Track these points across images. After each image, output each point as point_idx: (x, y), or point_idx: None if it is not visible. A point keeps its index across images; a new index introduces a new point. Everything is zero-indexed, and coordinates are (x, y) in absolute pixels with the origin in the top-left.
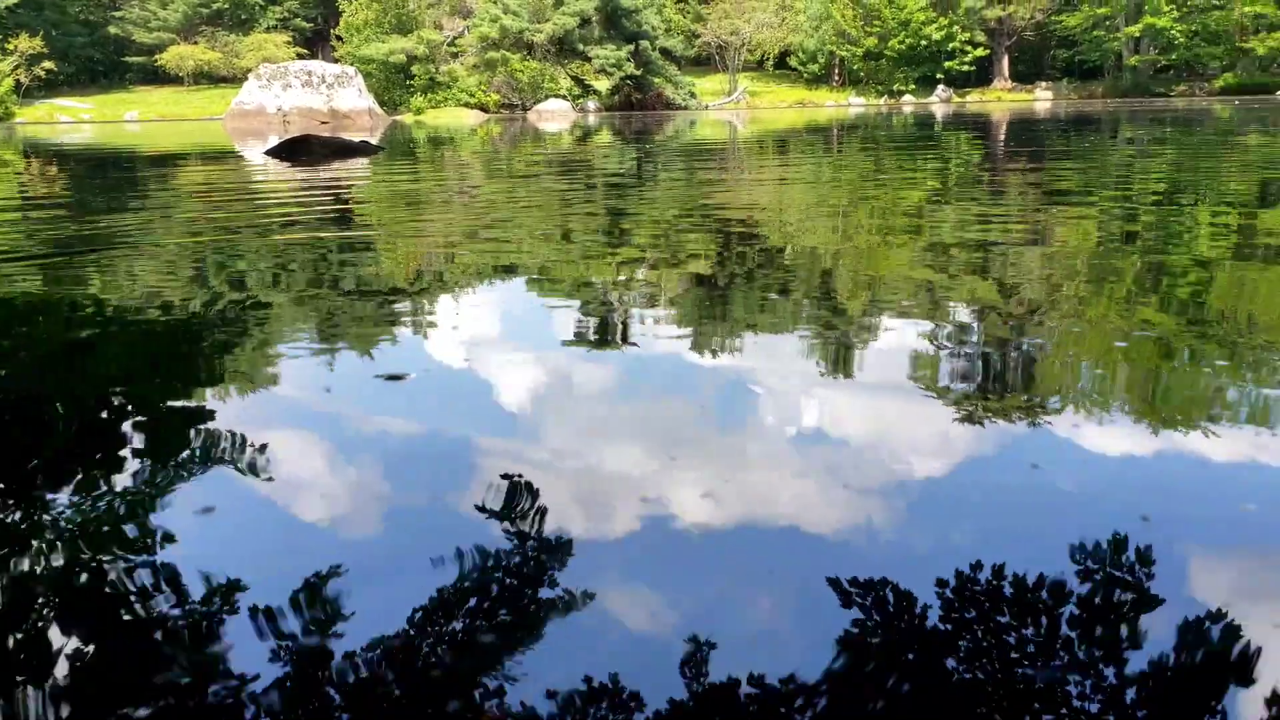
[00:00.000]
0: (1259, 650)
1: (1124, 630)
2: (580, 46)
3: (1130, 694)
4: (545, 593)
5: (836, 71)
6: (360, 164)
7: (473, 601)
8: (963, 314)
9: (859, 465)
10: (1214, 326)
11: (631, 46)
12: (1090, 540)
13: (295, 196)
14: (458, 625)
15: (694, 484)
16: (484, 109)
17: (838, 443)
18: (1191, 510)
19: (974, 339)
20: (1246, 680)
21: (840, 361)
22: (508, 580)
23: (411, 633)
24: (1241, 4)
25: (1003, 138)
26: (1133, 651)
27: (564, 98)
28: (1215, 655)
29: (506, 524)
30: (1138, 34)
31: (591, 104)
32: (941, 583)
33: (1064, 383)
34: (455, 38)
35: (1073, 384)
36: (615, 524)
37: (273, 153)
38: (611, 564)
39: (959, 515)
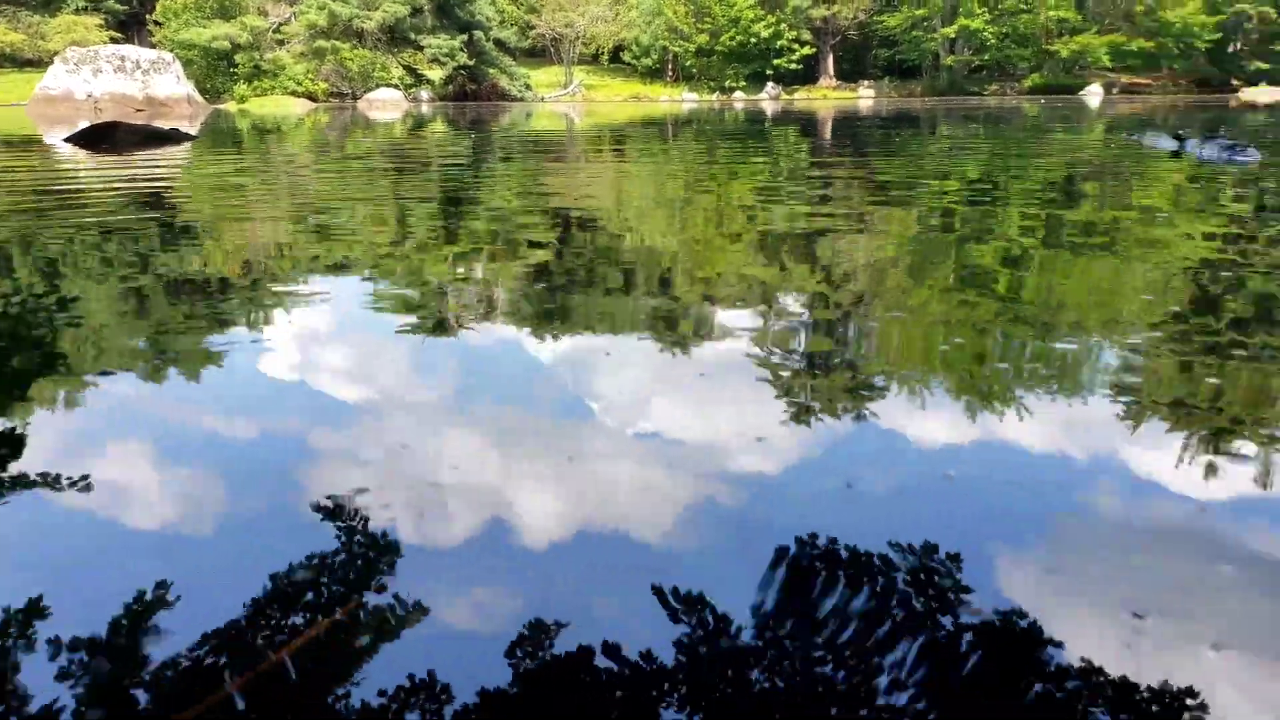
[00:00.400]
0: (1057, 618)
1: (941, 603)
2: (412, 35)
3: (944, 666)
4: (372, 598)
5: (670, 67)
6: (170, 152)
7: (298, 607)
8: (794, 304)
9: (693, 463)
10: (1026, 310)
11: (465, 36)
12: (904, 537)
13: (96, 186)
14: (283, 636)
15: (529, 483)
16: (312, 98)
17: (673, 441)
18: (1001, 487)
19: (805, 331)
20: (1050, 656)
21: (676, 356)
22: (334, 586)
23: (230, 644)
24: (1046, 8)
25: (830, 134)
26: (949, 618)
27: (396, 87)
28: (1021, 623)
29: (335, 526)
30: (953, 35)
31: (425, 94)
32: (775, 565)
33: (890, 372)
34: (281, 24)
35: (898, 372)
36: (448, 526)
37: (75, 139)
38: (443, 565)
39: (788, 514)
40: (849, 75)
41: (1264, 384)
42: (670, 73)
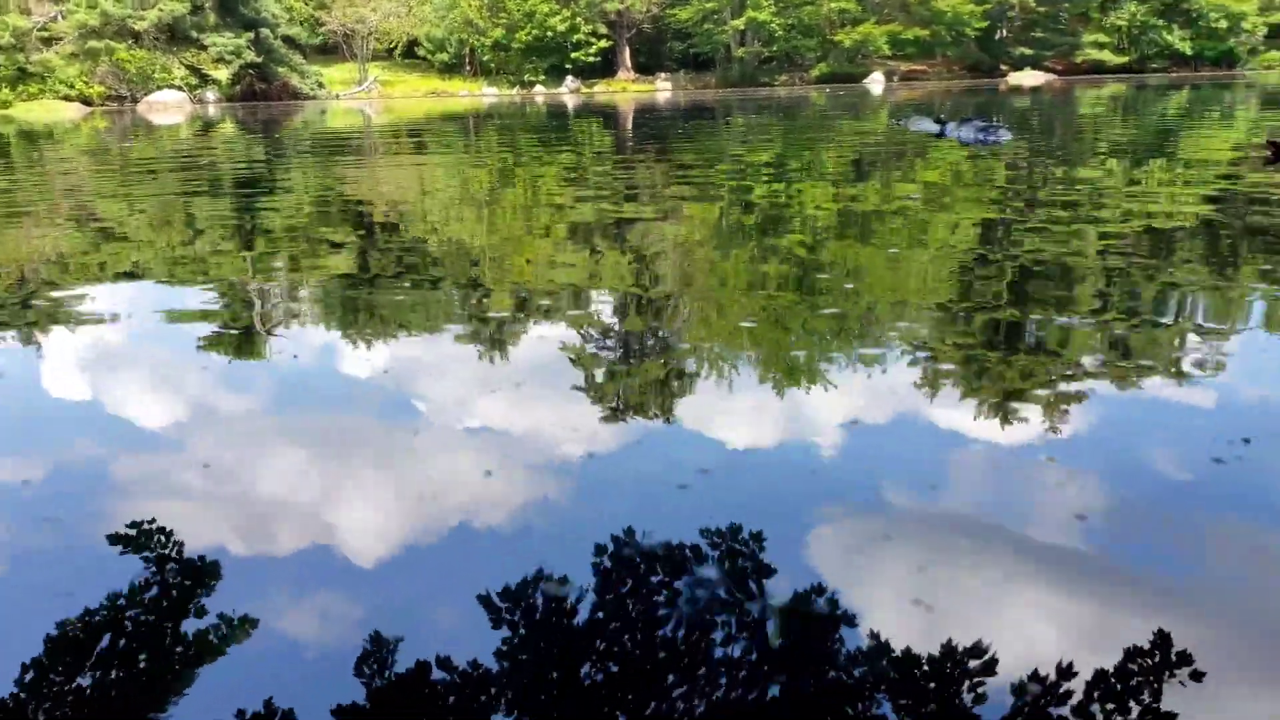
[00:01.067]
0: (850, 591)
1: (746, 587)
2: (194, 34)
3: (752, 643)
4: (192, 623)
5: (468, 61)
6: None
7: (105, 642)
8: (605, 296)
9: (518, 461)
10: (825, 294)
11: (251, 34)
12: (717, 521)
13: None
14: (85, 677)
15: (353, 492)
16: (87, 101)
17: (497, 440)
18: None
19: (619, 320)
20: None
21: (492, 353)
22: (144, 616)
23: (21, 690)
24: (830, 0)
25: (632, 126)
26: (756, 603)
27: (179, 88)
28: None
29: (145, 552)
30: (742, 27)
31: (211, 94)
32: (597, 558)
33: (701, 355)
34: (47, 23)
35: (709, 355)
36: (271, 542)
37: None
38: (269, 581)
39: (611, 505)
40: (646, 68)
41: (1045, 339)
42: (469, 67)
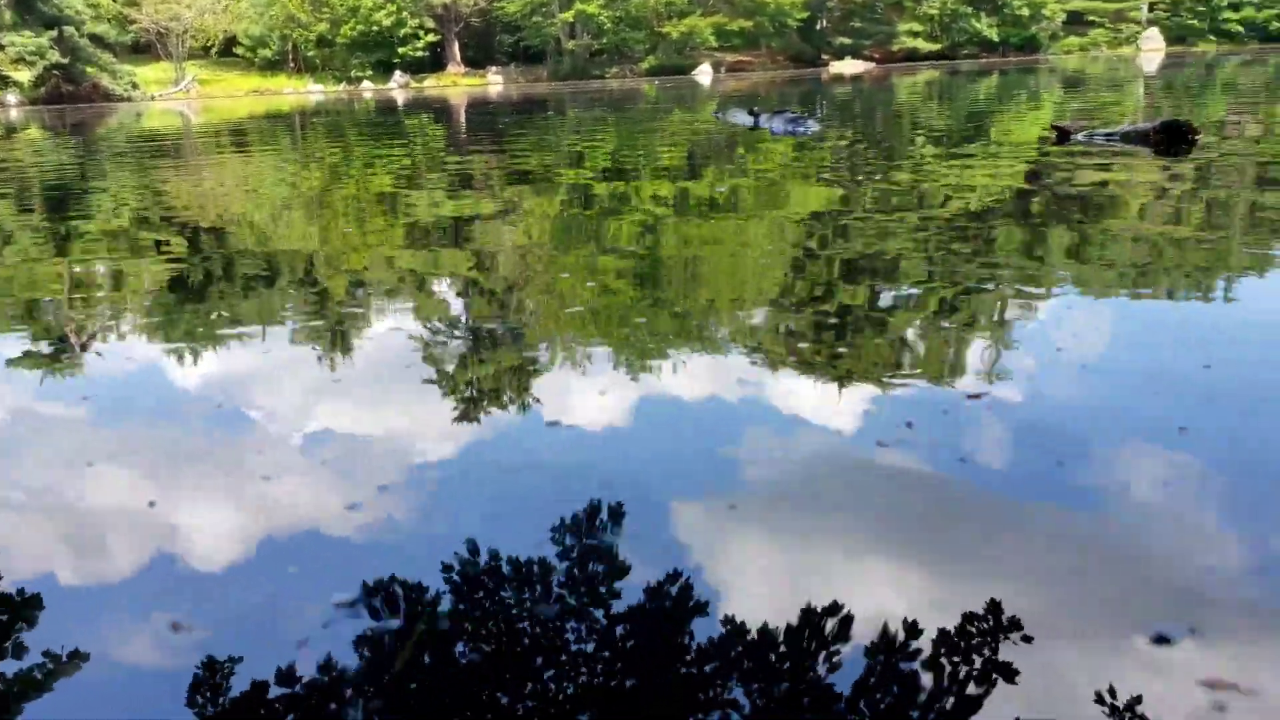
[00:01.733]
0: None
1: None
2: None
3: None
4: (10, 664)
5: (292, 58)
6: None
7: None
8: (449, 290)
9: (367, 462)
10: (665, 283)
11: (54, 32)
12: (569, 513)
13: None
14: None
15: (188, 506)
16: None
17: (344, 440)
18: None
19: (464, 316)
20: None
21: (333, 355)
22: None
23: None
24: None
25: (465, 121)
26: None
27: None
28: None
29: None
30: (571, 20)
31: (12, 97)
32: (447, 567)
33: (548, 351)
34: None
35: (556, 351)
36: (99, 566)
37: None
38: (99, 610)
39: (467, 502)
40: (476, 62)
41: (874, 321)
42: (292, 64)
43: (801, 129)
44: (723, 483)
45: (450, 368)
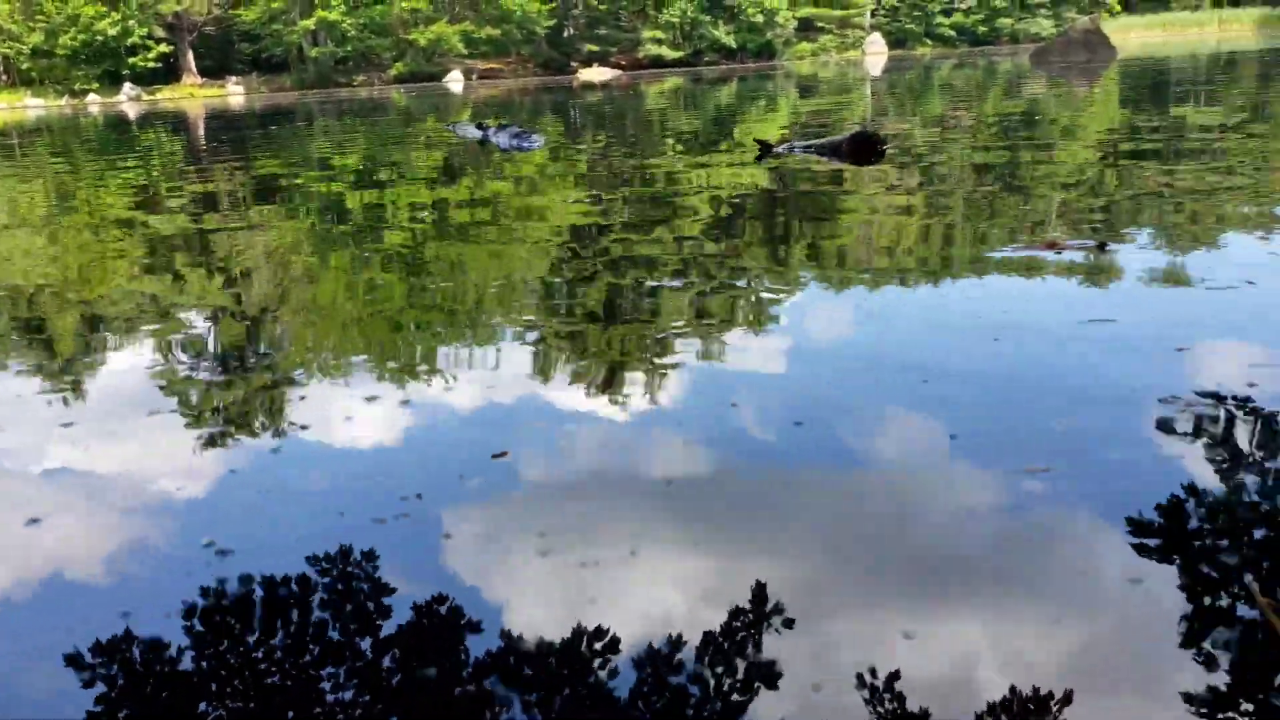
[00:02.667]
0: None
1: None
2: None
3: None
4: None
5: (4, 70)
6: None
7: None
8: (195, 314)
9: (107, 500)
10: (429, 291)
11: None
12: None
13: None
14: None
15: None
16: None
17: (81, 479)
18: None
19: (212, 339)
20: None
21: (66, 389)
22: None
23: None
24: (400, 0)
25: (205, 133)
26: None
27: None
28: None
29: None
30: (313, 27)
31: None
32: (190, 612)
33: (306, 368)
34: None
35: (317, 365)
36: None
37: None
38: None
39: (216, 532)
40: (214, 72)
41: (639, 316)
42: (5, 76)
43: (527, 144)
44: (496, 490)
45: (198, 394)
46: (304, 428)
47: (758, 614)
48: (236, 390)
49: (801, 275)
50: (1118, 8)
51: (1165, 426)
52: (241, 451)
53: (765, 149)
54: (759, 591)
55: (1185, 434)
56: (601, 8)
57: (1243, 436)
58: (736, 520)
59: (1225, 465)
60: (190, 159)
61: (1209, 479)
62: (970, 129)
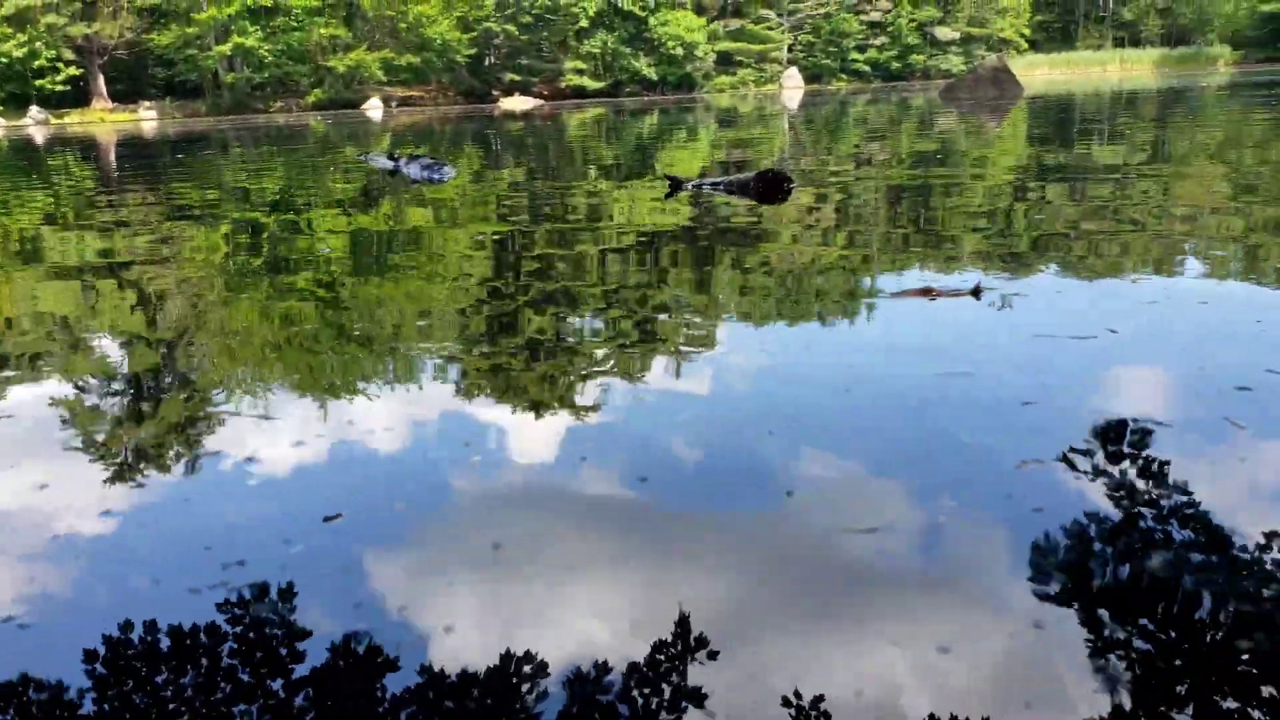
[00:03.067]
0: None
1: None
2: None
3: None
4: None
5: None
6: None
7: None
8: (107, 342)
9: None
10: (350, 319)
11: None
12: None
13: None
14: None
15: None
16: None
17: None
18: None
19: (126, 368)
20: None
21: None
22: None
23: None
24: (319, 26)
25: (116, 159)
26: None
27: None
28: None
29: None
30: (229, 53)
31: None
32: (91, 655)
33: (225, 391)
34: None
35: (234, 390)
36: None
37: None
38: None
39: (127, 575)
40: (126, 96)
41: (563, 347)
42: None
43: (437, 175)
44: (419, 524)
45: (106, 429)
46: (219, 459)
47: (681, 644)
48: (147, 425)
49: (724, 306)
50: (1025, 46)
51: (996, 487)
52: (149, 485)
53: (675, 186)
54: (682, 622)
55: (1006, 493)
56: (523, 38)
57: (1065, 495)
58: (644, 558)
59: (1040, 520)
60: (101, 185)
61: (1026, 538)
62: (883, 163)
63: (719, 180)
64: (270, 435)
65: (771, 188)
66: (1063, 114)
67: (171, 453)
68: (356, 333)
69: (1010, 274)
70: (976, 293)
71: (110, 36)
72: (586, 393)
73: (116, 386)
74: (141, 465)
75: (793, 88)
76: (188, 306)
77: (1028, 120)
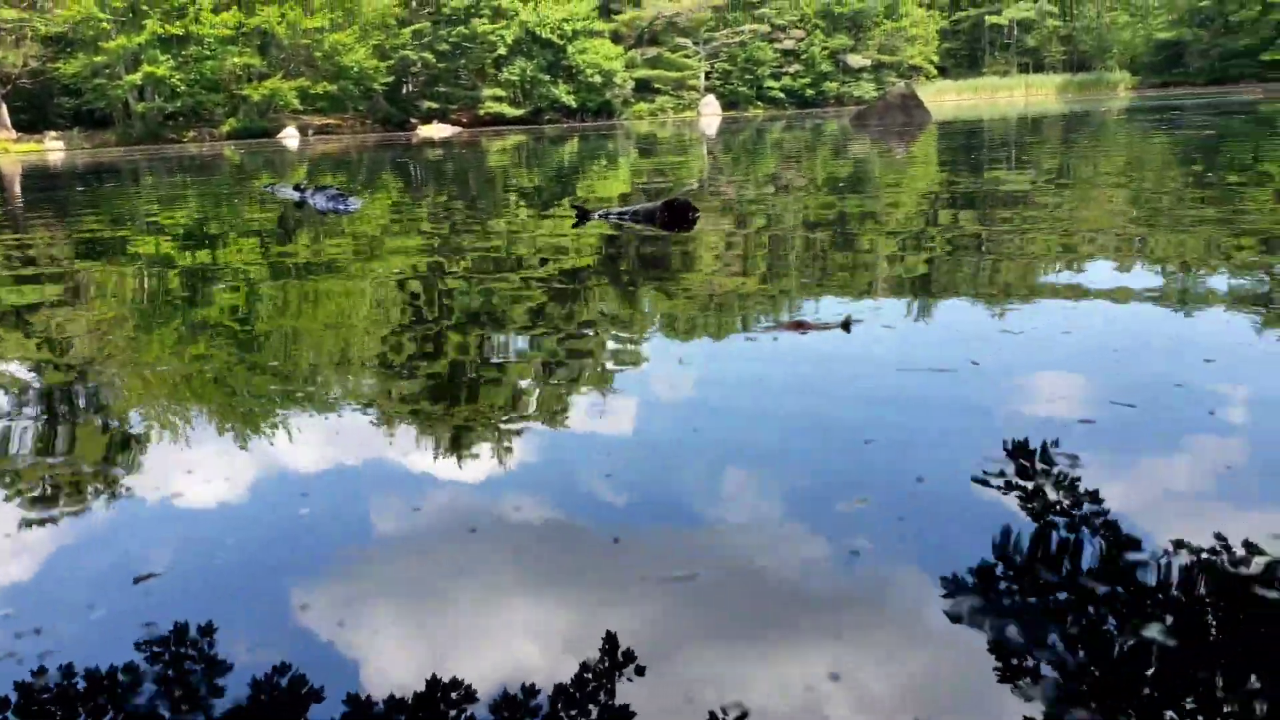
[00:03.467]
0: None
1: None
2: None
3: None
4: None
5: None
6: None
7: None
8: (12, 377)
9: None
10: (266, 353)
11: None
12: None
13: None
14: None
15: None
16: None
17: None
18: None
19: (33, 409)
20: None
21: None
22: None
23: None
24: (232, 55)
25: (21, 191)
26: None
27: None
28: None
29: None
30: (139, 82)
31: None
32: (20, 684)
33: (140, 433)
34: None
35: (149, 426)
36: None
37: None
38: None
39: (45, 619)
40: (31, 126)
41: (485, 381)
42: None
43: (343, 206)
44: (340, 555)
45: (10, 469)
46: (138, 499)
47: (609, 663)
48: (60, 466)
49: (647, 329)
50: (934, 73)
51: (819, 525)
52: (63, 526)
53: (582, 215)
54: (609, 643)
55: (826, 534)
56: (441, 65)
57: (881, 534)
58: (568, 582)
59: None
60: (3, 219)
61: (842, 581)
62: (801, 189)
63: (625, 210)
64: (177, 475)
65: (677, 216)
66: (966, 139)
67: (92, 487)
68: (272, 362)
69: (889, 303)
70: (847, 325)
71: (14, 65)
72: (495, 428)
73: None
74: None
75: (710, 114)
76: (98, 343)
77: (934, 146)
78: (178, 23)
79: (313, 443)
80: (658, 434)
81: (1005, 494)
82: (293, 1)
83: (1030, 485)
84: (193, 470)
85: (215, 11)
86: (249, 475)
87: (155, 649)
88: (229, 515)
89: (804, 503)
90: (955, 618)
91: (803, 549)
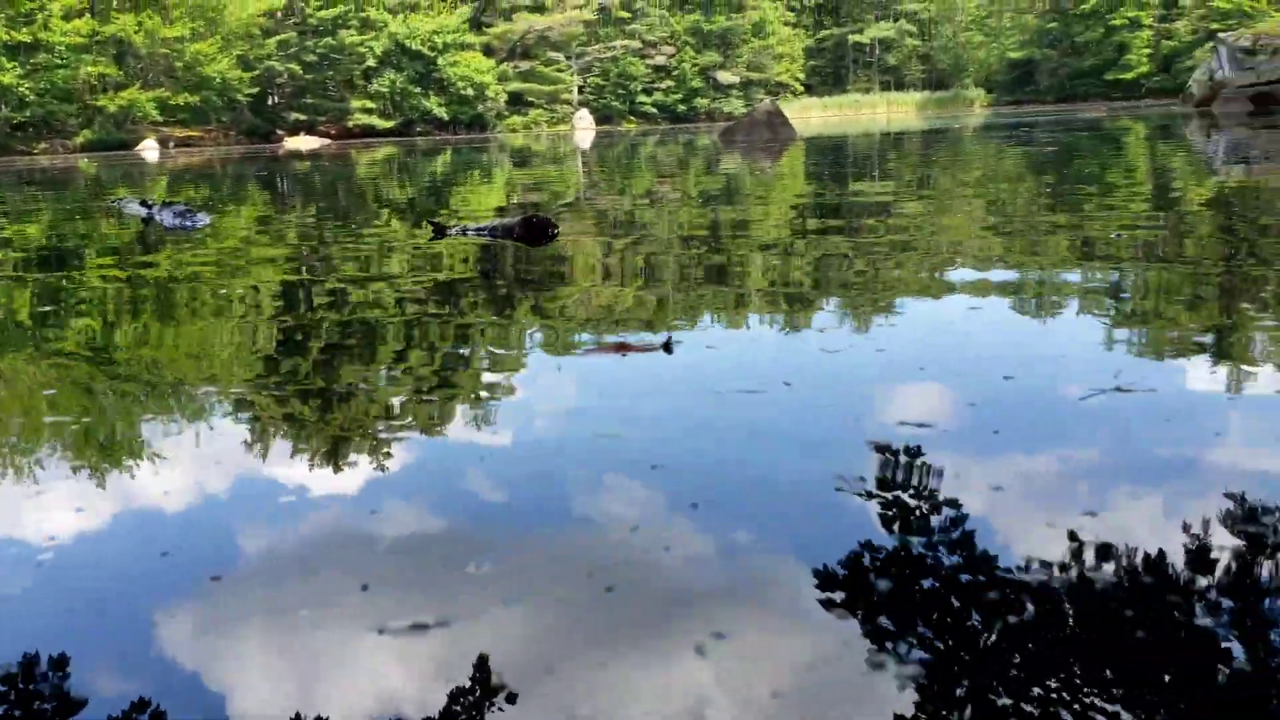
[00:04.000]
0: None
1: None
2: None
3: None
4: None
5: None
6: None
7: None
8: None
9: None
10: (130, 364)
11: None
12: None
13: None
14: None
15: None
16: None
17: None
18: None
19: None
20: None
21: None
22: None
23: None
24: (86, 64)
25: None
26: None
27: None
28: None
29: None
30: None
31: None
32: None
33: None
34: None
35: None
36: None
37: None
38: None
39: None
40: None
41: (358, 391)
42: None
43: (191, 222)
44: (201, 582)
45: None
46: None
47: (481, 689)
48: None
49: (525, 344)
50: (801, 89)
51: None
52: None
53: (439, 231)
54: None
55: (595, 567)
56: (308, 77)
57: (639, 568)
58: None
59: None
60: None
61: (600, 616)
62: (674, 203)
63: (484, 226)
64: (39, 505)
65: (536, 233)
66: (830, 154)
67: None
68: (131, 384)
69: (716, 323)
70: (668, 347)
71: None
72: (364, 445)
73: None
74: None
75: (584, 128)
76: None
77: (805, 160)
78: (25, 29)
79: (174, 464)
80: (435, 469)
81: (786, 511)
82: (150, 10)
83: (809, 501)
84: (44, 492)
85: (66, 18)
86: (105, 501)
87: (1, 684)
88: (83, 541)
89: (580, 531)
90: (701, 653)
91: (565, 581)
